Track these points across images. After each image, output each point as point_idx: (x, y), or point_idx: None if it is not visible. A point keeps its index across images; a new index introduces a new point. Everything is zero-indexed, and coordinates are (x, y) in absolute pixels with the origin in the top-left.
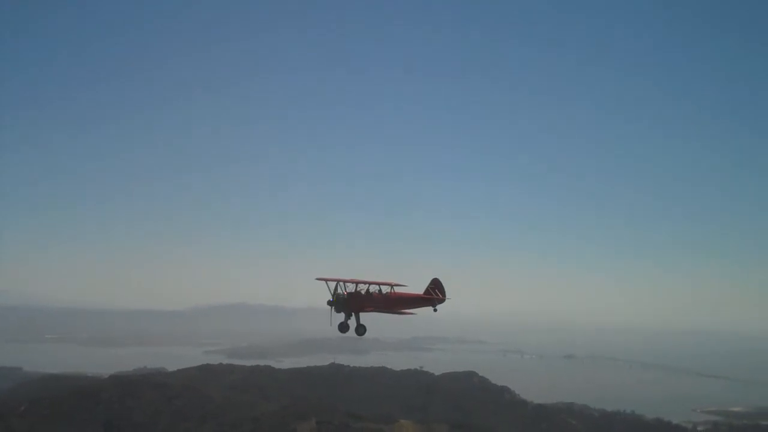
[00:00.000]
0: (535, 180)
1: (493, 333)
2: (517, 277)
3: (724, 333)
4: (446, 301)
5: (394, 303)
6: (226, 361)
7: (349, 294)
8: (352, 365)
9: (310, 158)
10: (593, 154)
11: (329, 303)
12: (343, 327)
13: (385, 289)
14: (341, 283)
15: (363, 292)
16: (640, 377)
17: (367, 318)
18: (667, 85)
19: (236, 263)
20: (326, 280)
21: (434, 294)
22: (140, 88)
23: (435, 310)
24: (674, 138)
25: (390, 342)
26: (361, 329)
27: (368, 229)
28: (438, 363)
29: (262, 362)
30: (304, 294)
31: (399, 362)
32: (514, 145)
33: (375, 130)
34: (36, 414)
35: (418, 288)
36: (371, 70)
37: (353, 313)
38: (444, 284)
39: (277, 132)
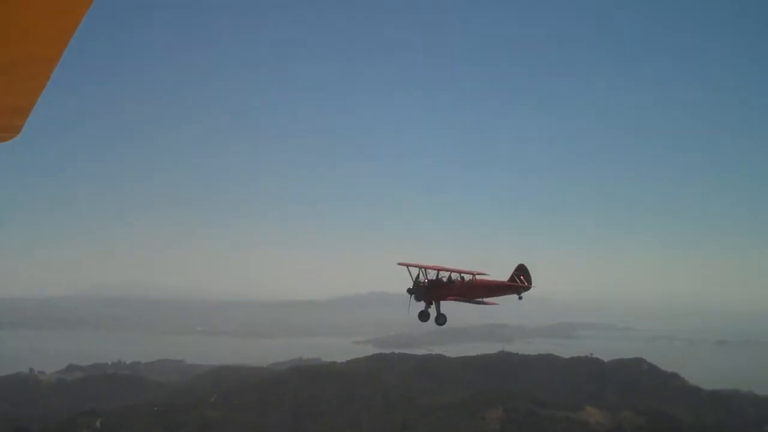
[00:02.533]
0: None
1: (639, 319)
2: (658, 261)
3: None
4: (532, 288)
5: (477, 291)
6: (375, 350)
7: (430, 281)
8: (521, 353)
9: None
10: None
11: (409, 291)
12: (423, 316)
13: (467, 277)
14: (423, 270)
15: (444, 279)
16: None
17: (507, 303)
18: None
19: (364, 253)
20: (407, 265)
21: (519, 281)
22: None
23: (520, 298)
24: None
25: (535, 329)
26: (441, 318)
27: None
28: (600, 350)
29: (422, 351)
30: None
31: (546, 348)
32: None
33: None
34: (227, 404)
35: (500, 275)
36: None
37: (434, 302)
38: (531, 271)
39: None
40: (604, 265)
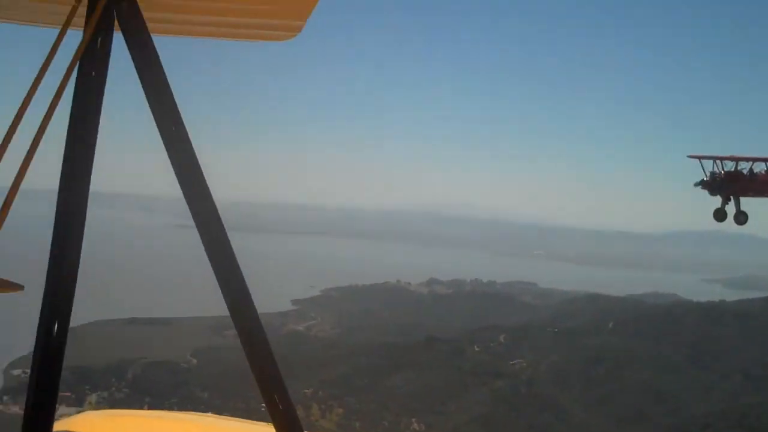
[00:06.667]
0: None
1: None
2: None
3: None
4: None
5: None
6: (727, 291)
7: (727, 173)
8: None
9: None
10: None
11: (701, 183)
12: (720, 214)
13: None
14: (718, 162)
15: (745, 171)
16: None
17: None
18: None
19: None
20: (700, 157)
21: None
22: None
23: None
24: None
25: None
26: (741, 216)
27: None
28: None
29: None
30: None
31: None
32: None
33: None
34: (623, 332)
35: None
36: None
37: (731, 198)
38: None
39: None
40: None
